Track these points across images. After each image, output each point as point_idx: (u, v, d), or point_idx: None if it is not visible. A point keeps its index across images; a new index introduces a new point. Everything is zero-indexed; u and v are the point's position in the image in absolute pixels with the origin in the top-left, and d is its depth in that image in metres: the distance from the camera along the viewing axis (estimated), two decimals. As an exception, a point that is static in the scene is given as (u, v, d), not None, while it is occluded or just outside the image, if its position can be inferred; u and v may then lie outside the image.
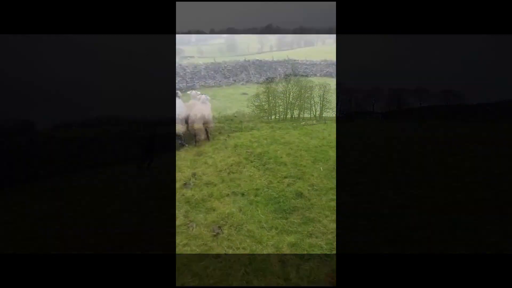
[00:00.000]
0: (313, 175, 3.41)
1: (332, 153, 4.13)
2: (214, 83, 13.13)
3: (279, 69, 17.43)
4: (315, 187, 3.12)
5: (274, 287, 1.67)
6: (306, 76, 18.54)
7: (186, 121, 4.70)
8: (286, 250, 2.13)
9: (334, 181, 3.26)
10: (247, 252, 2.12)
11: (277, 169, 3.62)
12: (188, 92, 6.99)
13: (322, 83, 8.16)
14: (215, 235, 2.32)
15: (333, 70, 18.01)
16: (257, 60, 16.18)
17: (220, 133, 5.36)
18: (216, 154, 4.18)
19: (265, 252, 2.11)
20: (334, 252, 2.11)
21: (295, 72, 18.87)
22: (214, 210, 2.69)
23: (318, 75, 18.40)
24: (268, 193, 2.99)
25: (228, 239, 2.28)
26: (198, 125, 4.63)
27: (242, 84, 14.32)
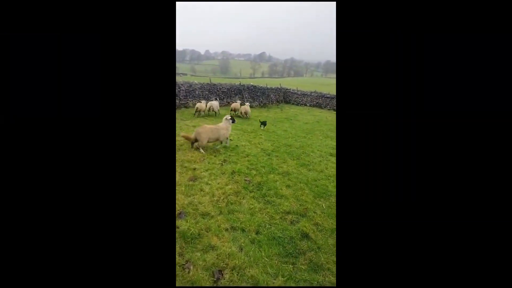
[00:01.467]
0: (315, 213, 3.26)
1: (332, 188, 4.05)
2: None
3: (271, 95, 17.94)
4: (319, 227, 2.96)
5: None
6: (297, 104, 19.22)
7: None
8: (296, 305, 1.90)
9: (337, 220, 3.13)
10: (252, 305, 1.86)
11: (278, 202, 3.43)
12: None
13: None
14: (215, 281, 2.03)
15: (322, 101, 18.82)
16: (252, 85, 16.59)
17: (215, 156, 5.15)
18: (212, 180, 3.94)
19: (273, 306, 1.86)
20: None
21: (286, 100, 19.52)
22: (212, 248, 2.41)
23: (308, 105, 19.11)
24: (271, 231, 2.78)
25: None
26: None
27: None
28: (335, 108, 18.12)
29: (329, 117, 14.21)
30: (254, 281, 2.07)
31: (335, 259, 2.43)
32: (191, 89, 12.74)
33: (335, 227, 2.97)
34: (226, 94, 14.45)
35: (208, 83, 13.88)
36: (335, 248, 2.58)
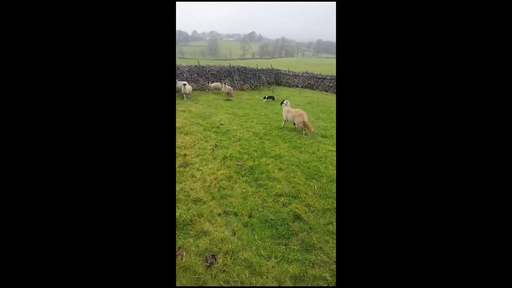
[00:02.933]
0: (307, 194, 3.29)
1: (323, 169, 4.08)
2: (197, 86, 12.69)
3: (262, 77, 17.52)
4: (311, 208, 2.99)
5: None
6: (288, 86, 18.92)
7: None
8: (289, 283, 1.94)
9: (331, 200, 3.17)
10: (245, 285, 1.89)
11: (270, 186, 3.44)
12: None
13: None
14: (208, 266, 2.04)
15: (314, 82, 18.56)
16: (242, 66, 16.08)
17: (206, 141, 5.05)
18: (204, 166, 3.88)
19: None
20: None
21: (277, 81, 19.15)
22: (205, 234, 2.41)
23: (300, 86, 18.84)
24: (263, 214, 2.79)
25: (224, 271, 2.02)
26: None
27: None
28: (326, 89, 17.96)
29: (321, 98, 14.10)
30: (247, 263, 2.10)
31: (326, 239, 2.48)
32: (179, 72, 12.24)
33: (326, 207, 3.01)
34: (216, 76, 13.99)
35: (196, 66, 13.34)
36: (328, 229, 2.63)
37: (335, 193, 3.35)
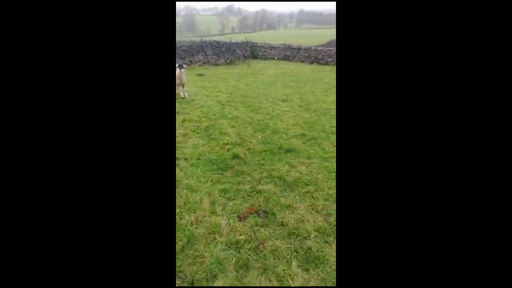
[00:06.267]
0: (251, 142, 3.91)
1: (272, 124, 4.69)
2: (169, 63, 12.62)
3: (237, 51, 17.41)
4: (251, 150, 3.64)
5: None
6: (265, 59, 18.95)
7: None
8: (216, 195, 2.61)
9: (269, 145, 3.82)
10: (183, 199, 2.53)
11: (220, 138, 4.02)
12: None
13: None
14: (156, 189, 2.66)
15: (290, 53, 18.68)
16: (215, 41, 15.89)
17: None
18: (164, 128, 4.39)
19: (198, 197, 2.55)
20: (255, 191, 2.67)
21: (253, 55, 19.09)
22: (157, 171, 3.00)
23: (276, 58, 18.93)
24: (209, 157, 3.40)
25: (168, 192, 2.65)
26: None
27: (199, 65, 14.08)
28: (302, 59, 18.20)
29: (294, 69, 14.44)
30: (188, 186, 2.73)
31: (255, 168, 3.15)
32: (147, 49, 12.06)
33: (263, 150, 3.66)
34: (187, 52, 13.88)
35: (166, 42, 13.11)
36: (260, 163, 3.28)
37: (275, 141, 4.00)
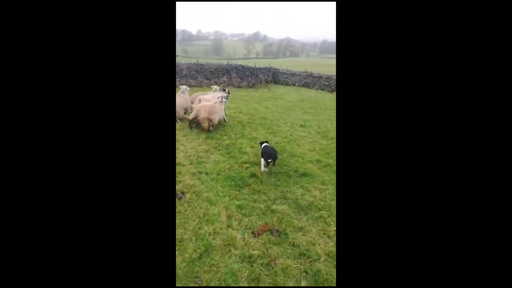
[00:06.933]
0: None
1: (289, 148, 4.88)
2: (195, 83, 13.61)
3: (260, 75, 18.32)
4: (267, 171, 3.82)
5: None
6: (286, 84, 19.67)
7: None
8: (233, 209, 2.78)
9: (286, 168, 3.98)
10: (202, 210, 2.72)
11: (239, 157, 4.27)
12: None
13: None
14: (179, 199, 2.89)
15: (310, 81, 19.27)
16: (240, 65, 16.93)
17: (192, 129, 5.90)
18: (188, 143, 4.74)
19: (216, 210, 2.73)
20: (269, 210, 2.80)
21: (275, 80, 19.92)
22: (180, 182, 3.25)
23: (297, 85, 19.58)
24: (228, 173, 3.62)
25: (189, 202, 2.86)
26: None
27: (223, 86, 14.97)
28: (322, 87, 18.67)
29: (314, 96, 14.82)
30: (207, 199, 2.93)
31: (271, 188, 3.30)
32: (178, 69, 13.17)
33: (278, 171, 3.83)
34: (214, 74, 14.89)
35: (195, 63, 14.26)
36: (275, 184, 3.44)
37: (291, 164, 4.16)
